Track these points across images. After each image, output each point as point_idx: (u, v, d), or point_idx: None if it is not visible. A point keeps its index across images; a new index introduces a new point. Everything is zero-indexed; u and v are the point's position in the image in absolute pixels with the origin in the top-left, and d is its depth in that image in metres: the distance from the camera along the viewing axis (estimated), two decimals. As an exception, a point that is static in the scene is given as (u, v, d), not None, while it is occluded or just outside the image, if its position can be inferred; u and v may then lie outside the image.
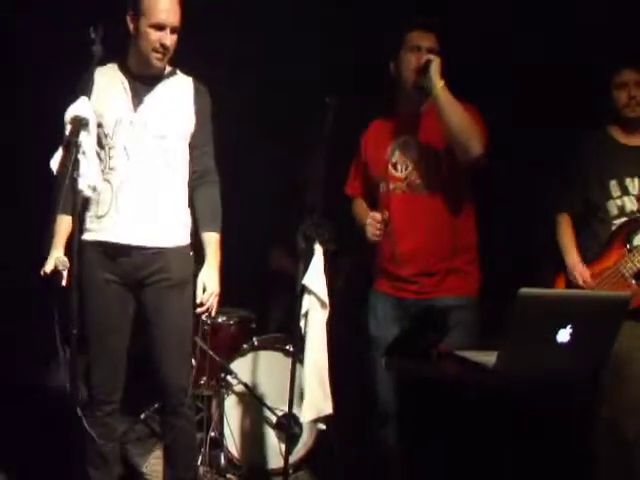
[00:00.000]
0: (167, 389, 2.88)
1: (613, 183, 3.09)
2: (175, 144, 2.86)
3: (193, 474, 3.03)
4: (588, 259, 3.11)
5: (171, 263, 2.86)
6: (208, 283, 2.87)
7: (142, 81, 2.84)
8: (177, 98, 2.88)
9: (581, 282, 3.06)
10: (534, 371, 2.14)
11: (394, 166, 3.02)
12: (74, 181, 2.36)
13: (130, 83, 2.83)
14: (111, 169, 2.80)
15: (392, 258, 3.01)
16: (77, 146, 2.35)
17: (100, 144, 2.78)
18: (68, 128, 2.39)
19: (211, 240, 2.92)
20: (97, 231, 2.84)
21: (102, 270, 2.83)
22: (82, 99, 2.42)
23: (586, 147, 3.19)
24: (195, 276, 2.91)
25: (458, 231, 2.99)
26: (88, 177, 2.42)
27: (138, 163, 2.80)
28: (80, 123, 2.37)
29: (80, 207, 2.75)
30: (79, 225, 2.70)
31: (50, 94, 2.81)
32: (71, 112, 2.39)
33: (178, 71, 2.93)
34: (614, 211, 3.08)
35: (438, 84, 2.84)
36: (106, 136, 2.80)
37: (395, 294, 3.02)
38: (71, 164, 2.34)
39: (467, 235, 3.03)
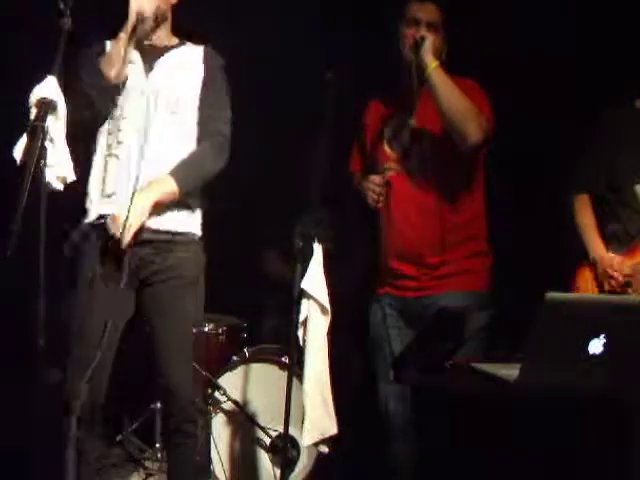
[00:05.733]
0: (176, 402, 2.81)
1: None
2: (190, 115, 2.85)
3: None
4: (614, 252, 3.05)
5: (184, 258, 2.81)
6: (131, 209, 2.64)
7: (150, 51, 2.88)
8: (187, 65, 2.89)
9: (614, 274, 2.98)
10: (562, 387, 2.09)
11: (389, 146, 3.06)
12: (41, 172, 2.32)
13: (140, 52, 2.86)
14: (119, 143, 2.78)
15: (386, 248, 3.05)
16: (44, 132, 2.32)
17: (111, 115, 2.80)
18: (33, 112, 2.36)
19: (162, 178, 2.73)
20: (101, 212, 2.78)
21: (99, 264, 2.75)
22: (49, 79, 2.38)
23: (611, 123, 3.13)
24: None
25: (460, 220, 3.01)
26: (57, 168, 2.40)
27: (150, 137, 2.77)
28: (47, 106, 2.34)
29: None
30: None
31: (13, 70, 2.79)
32: (37, 94, 2.37)
33: (188, 43, 2.97)
34: None
35: (431, 64, 2.86)
36: (116, 106, 2.79)
37: (393, 293, 3.07)
38: (37, 153, 2.30)
39: (471, 224, 3.05)
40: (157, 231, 2.79)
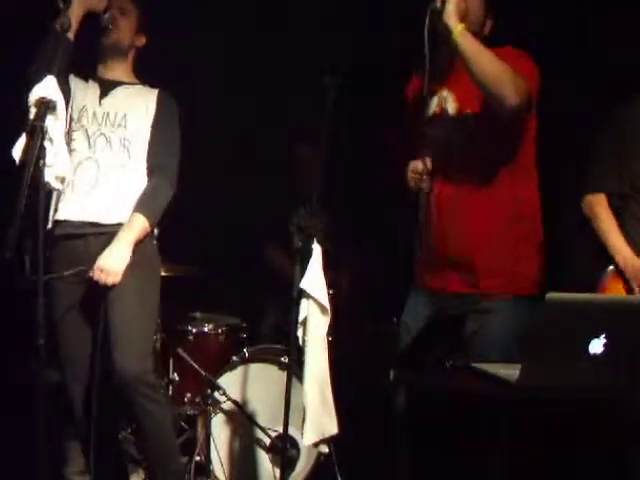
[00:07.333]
0: (114, 375, 2.92)
1: None
2: (136, 137, 3.06)
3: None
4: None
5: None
6: (100, 260, 2.89)
7: (108, 83, 3.12)
8: (140, 100, 3.12)
9: None
10: (562, 386, 2.09)
11: (429, 125, 2.85)
12: (40, 172, 2.34)
13: (98, 82, 3.12)
14: (72, 150, 2.98)
15: (426, 237, 2.88)
16: (43, 132, 2.35)
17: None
18: (33, 111, 2.38)
19: (131, 218, 2.99)
20: (57, 212, 2.99)
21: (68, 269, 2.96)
22: (49, 79, 2.41)
23: (623, 121, 3.01)
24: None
25: (508, 212, 2.80)
26: (56, 167, 2.44)
27: (99, 149, 3.02)
28: (46, 106, 2.38)
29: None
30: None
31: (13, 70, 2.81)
32: (36, 93, 2.39)
33: (147, 85, 3.20)
34: None
35: (455, 28, 2.62)
36: (72, 119, 3.02)
37: (430, 286, 2.88)
38: (36, 152, 2.33)
39: (520, 207, 2.83)
40: (109, 225, 2.99)
